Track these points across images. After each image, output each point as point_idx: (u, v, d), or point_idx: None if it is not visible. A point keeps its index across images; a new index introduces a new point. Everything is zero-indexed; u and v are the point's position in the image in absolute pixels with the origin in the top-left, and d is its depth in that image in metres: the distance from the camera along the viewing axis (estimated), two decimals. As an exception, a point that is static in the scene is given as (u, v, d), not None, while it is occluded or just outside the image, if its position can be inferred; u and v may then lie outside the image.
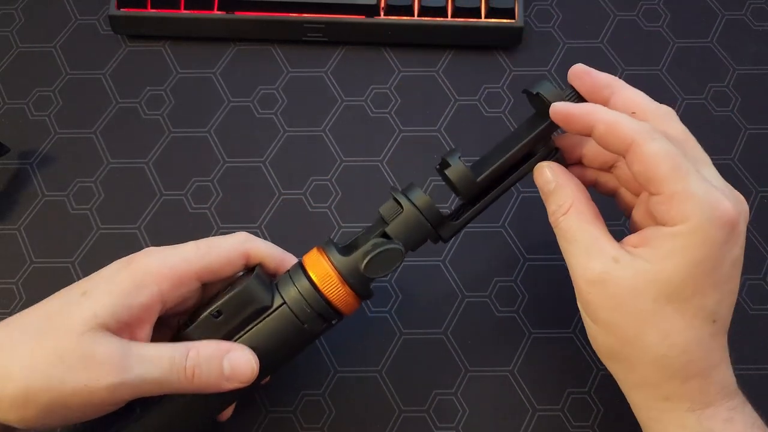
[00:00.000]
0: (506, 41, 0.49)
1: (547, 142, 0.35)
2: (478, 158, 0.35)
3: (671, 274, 0.29)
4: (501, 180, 0.35)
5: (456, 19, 0.48)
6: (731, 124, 0.47)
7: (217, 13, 0.48)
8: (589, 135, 0.31)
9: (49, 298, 0.32)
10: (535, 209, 0.45)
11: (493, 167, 0.34)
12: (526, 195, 0.45)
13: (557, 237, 0.33)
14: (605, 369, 0.41)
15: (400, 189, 0.35)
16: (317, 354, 0.41)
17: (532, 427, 0.40)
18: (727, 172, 0.45)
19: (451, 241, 0.44)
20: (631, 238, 0.31)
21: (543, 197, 0.34)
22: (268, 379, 0.38)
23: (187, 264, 0.32)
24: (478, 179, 0.34)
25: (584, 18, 0.50)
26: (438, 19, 0.48)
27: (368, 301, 0.42)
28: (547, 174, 0.33)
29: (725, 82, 0.48)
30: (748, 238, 0.44)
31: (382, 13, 0.48)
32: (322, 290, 0.33)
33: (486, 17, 0.48)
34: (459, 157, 0.34)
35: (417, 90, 0.48)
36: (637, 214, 0.33)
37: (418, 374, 0.41)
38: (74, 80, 0.49)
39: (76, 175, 0.46)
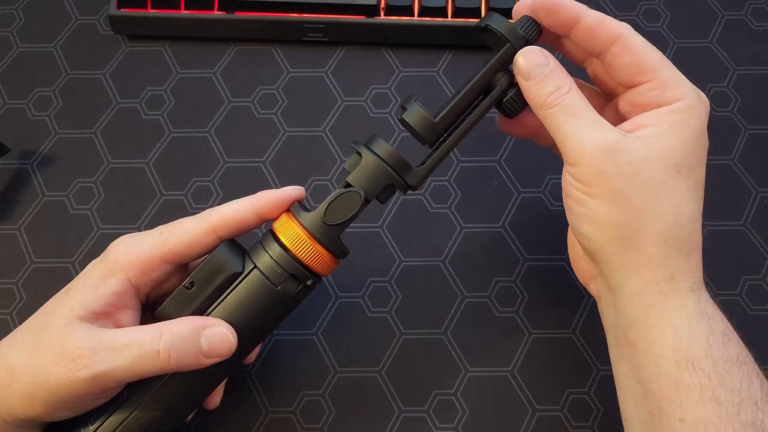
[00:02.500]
0: (506, 41, 0.49)
1: (504, 75, 0.35)
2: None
3: (677, 144, 0.31)
4: (462, 118, 0.35)
5: (456, 19, 0.48)
6: (731, 124, 0.47)
7: (217, 13, 0.48)
8: (567, 30, 0.34)
9: (50, 299, 0.34)
10: (535, 209, 0.45)
11: (451, 104, 0.34)
12: (526, 195, 0.45)
13: (554, 118, 0.32)
14: (605, 369, 0.41)
15: (362, 143, 0.35)
16: (317, 354, 0.41)
17: (532, 427, 0.40)
18: (727, 172, 0.46)
19: (451, 241, 0.44)
20: (623, 126, 0.33)
21: (532, 81, 0.33)
22: (254, 355, 0.38)
23: (152, 249, 0.33)
24: (437, 119, 0.34)
25: (584, 18, 0.50)
26: (438, 19, 0.48)
27: (368, 301, 0.42)
28: (542, 56, 0.33)
29: (725, 82, 0.48)
30: (748, 239, 0.44)
31: (382, 13, 0.48)
32: (291, 249, 0.33)
33: (486, 17, 0.48)
34: (415, 100, 0.34)
35: (417, 90, 0.48)
36: (610, 114, 0.35)
37: (418, 374, 0.41)
38: (74, 80, 0.49)
39: (76, 175, 0.46)
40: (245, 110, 0.48)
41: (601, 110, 0.35)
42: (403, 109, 0.35)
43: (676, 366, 0.30)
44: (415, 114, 0.34)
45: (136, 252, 0.33)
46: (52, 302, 0.33)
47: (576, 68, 0.36)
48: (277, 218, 0.34)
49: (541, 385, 0.41)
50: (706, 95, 0.48)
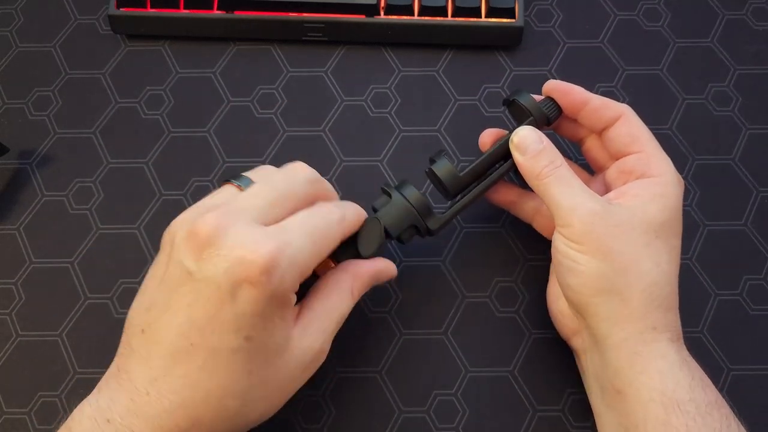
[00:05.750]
0: (506, 41, 0.49)
1: None
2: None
3: (656, 213, 0.35)
4: (483, 176, 0.39)
5: (456, 19, 0.48)
6: (732, 124, 0.47)
7: (216, 12, 0.48)
8: (577, 111, 0.39)
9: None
10: (536, 209, 0.45)
11: (476, 163, 0.38)
12: (527, 195, 0.45)
13: (547, 187, 0.36)
14: (605, 369, 0.41)
15: (393, 185, 0.38)
16: (317, 354, 0.41)
17: (533, 427, 0.40)
18: (727, 172, 0.46)
19: (451, 241, 0.44)
20: (608, 195, 0.37)
21: (528, 156, 0.37)
22: None
23: (310, 262, 0.33)
24: (462, 173, 0.38)
25: (584, 18, 0.50)
26: (438, 18, 0.48)
27: (368, 301, 0.42)
28: (536, 135, 0.37)
29: (726, 82, 0.48)
30: (749, 238, 0.44)
31: (382, 13, 0.48)
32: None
33: (486, 17, 0.48)
34: (444, 155, 0.38)
35: (417, 90, 0.48)
36: (596, 185, 0.40)
37: (418, 374, 0.41)
38: (74, 80, 0.49)
39: (76, 175, 0.46)
40: (245, 110, 0.48)
41: (586, 183, 0.38)
42: (432, 161, 0.38)
43: (663, 409, 0.32)
44: (444, 168, 0.38)
45: (300, 271, 0.32)
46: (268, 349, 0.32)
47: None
48: None
49: (542, 385, 0.40)
50: (707, 95, 0.48)
